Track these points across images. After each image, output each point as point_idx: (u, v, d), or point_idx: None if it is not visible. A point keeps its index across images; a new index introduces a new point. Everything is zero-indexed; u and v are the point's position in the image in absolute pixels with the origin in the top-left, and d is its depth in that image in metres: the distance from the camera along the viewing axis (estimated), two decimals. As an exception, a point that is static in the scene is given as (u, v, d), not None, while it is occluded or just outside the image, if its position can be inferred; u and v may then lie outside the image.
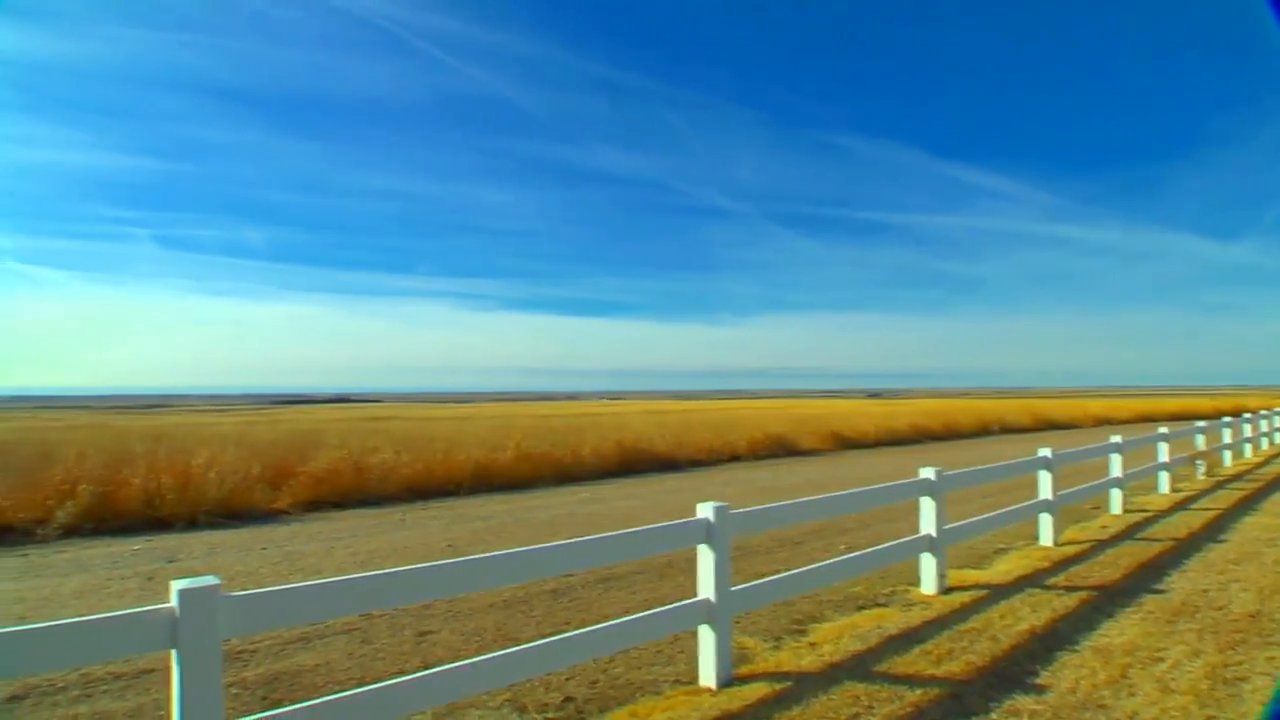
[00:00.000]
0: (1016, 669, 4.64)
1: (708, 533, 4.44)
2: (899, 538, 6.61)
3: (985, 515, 7.58)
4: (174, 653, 2.55)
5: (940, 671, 4.60)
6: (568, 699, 4.29)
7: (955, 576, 6.80)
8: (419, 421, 27.32)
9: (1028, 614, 5.75)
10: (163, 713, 4.15)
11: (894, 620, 5.60)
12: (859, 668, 4.65)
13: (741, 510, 4.81)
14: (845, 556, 5.97)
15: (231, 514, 10.62)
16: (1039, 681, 4.43)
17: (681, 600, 4.65)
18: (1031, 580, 6.78)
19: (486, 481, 13.67)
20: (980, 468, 7.78)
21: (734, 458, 18.98)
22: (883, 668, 4.66)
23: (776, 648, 5.08)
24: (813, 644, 5.13)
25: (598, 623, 4.76)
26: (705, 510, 4.49)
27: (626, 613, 5.63)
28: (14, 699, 4.35)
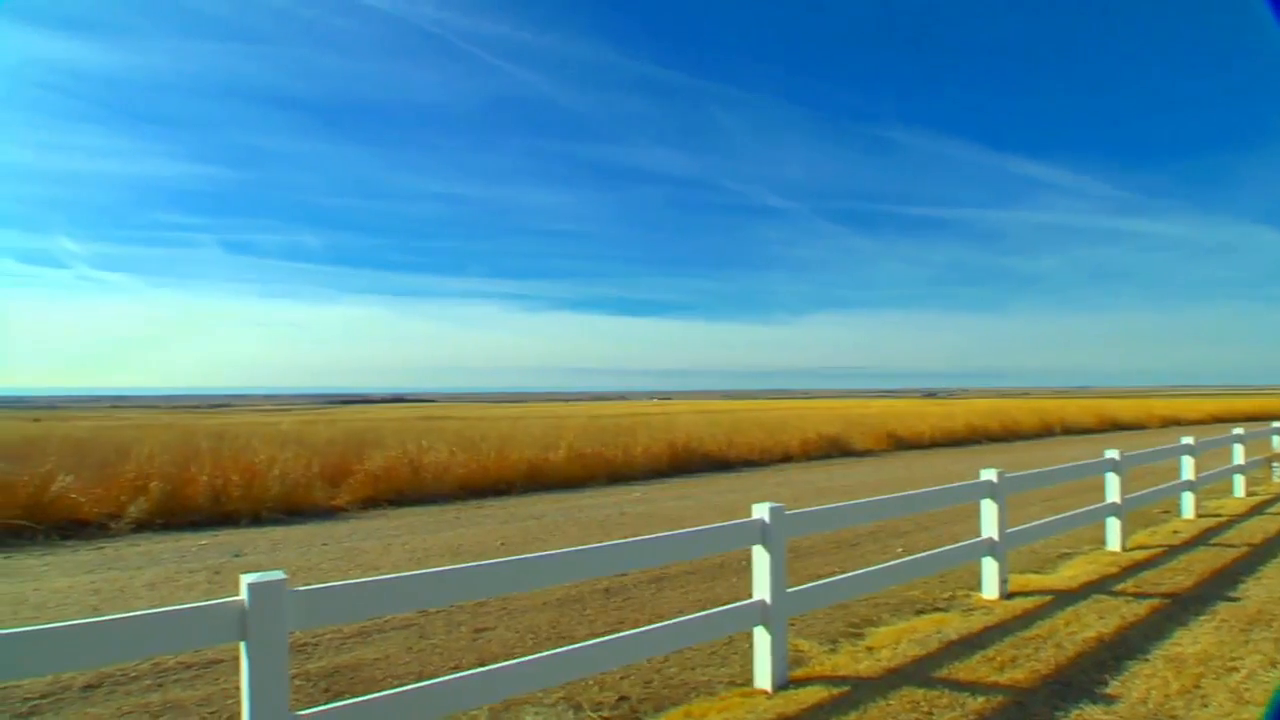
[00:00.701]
0: (1084, 678, 4.49)
1: (763, 533, 4.40)
2: (958, 541, 6.47)
3: (1049, 518, 7.37)
4: (243, 644, 2.62)
5: (1003, 679, 4.48)
6: (622, 698, 4.29)
7: (1018, 581, 6.62)
8: (472, 421, 27.69)
9: (1095, 621, 5.57)
10: (231, 702, 4.27)
11: (954, 625, 5.48)
12: (918, 673, 4.56)
13: (797, 511, 4.75)
14: (903, 559, 5.86)
15: (293, 510, 10.90)
16: (1108, 691, 4.28)
17: (735, 601, 4.62)
18: (1099, 586, 6.57)
19: (539, 481, 13.78)
20: (1043, 470, 7.56)
21: (786, 458, 18.80)
22: (943, 674, 4.56)
23: (833, 651, 5.01)
24: (870, 648, 5.04)
25: (651, 623, 4.76)
26: (760, 511, 4.45)
27: (680, 613, 5.61)
28: (89, 688, 4.51)
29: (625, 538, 6.36)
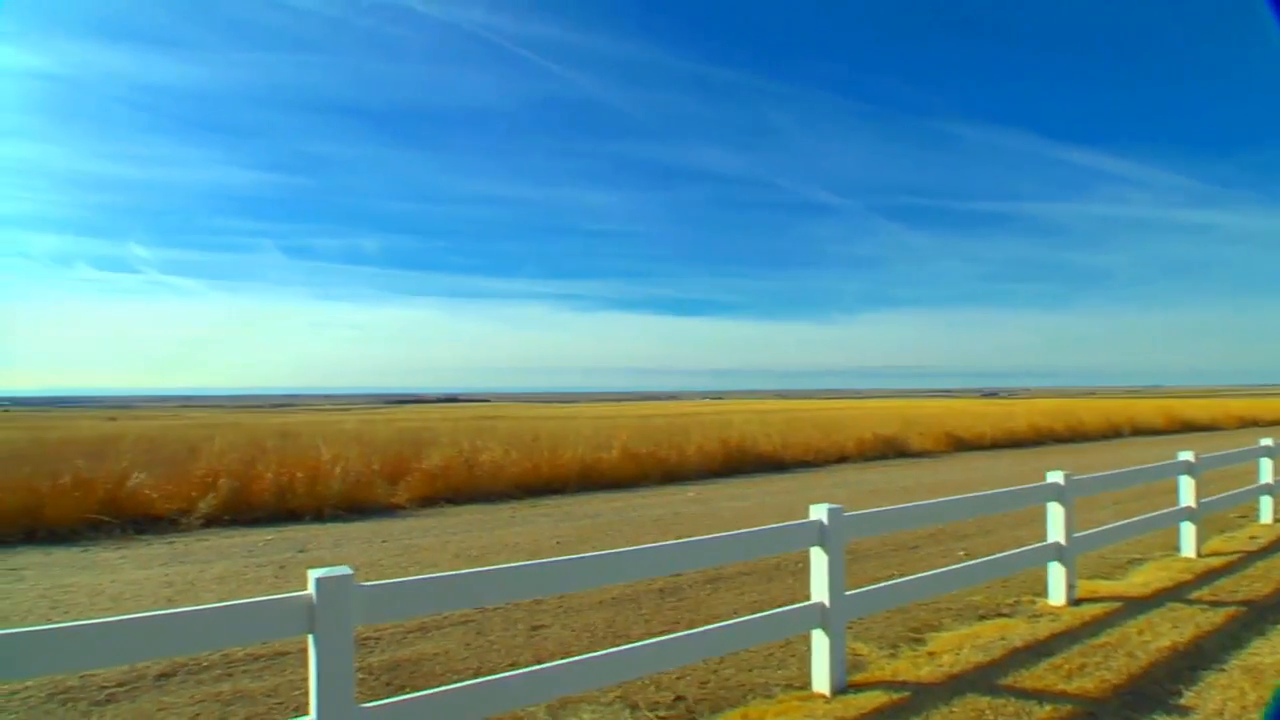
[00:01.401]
0: (1156, 688, 4.33)
1: (821, 535, 4.34)
2: (1022, 545, 6.30)
3: (1119, 523, 7.12)
4: (311, 637, 2.68)
5: (1072, 688, 4.34)
6: (678, 698, 4.28)
7: (1086, 587, 6.41)
8: (525, 421, 27.99)
9: (1168, 629, 5.37)
10: (297, 693, 4.39)
11: (1019, 632, 5.33)
12: (982, 680, 4.45)
13: (855, 513, 4.68)
14: (965, 563, 5.72)
15: (354, 507, 11.15)
16: (1182, 702, 4.12)
17: (792, 603, 4.57)
18: (1171, 593, 6.32)
19: (592, 480, 13.84)
20: (1112, 472, 7.32)
21: (842, 459, 18.54)
22: (1008, 681, 4.43)
23: (893, 656, 4.92)
24: (931, 653, 4.94)
25: (706, 623, 4.74)
26: (819, 512, 4.39)
27: (735, 614, 5.58)
28: (163, 676, 4.68)
29: (680, 538, 6.36)
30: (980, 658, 4.82)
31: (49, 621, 5.87)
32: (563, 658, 4.34)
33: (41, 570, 7.60)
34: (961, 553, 7.76)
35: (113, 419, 44.14)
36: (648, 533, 9.39)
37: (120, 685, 4.53)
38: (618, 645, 4.21)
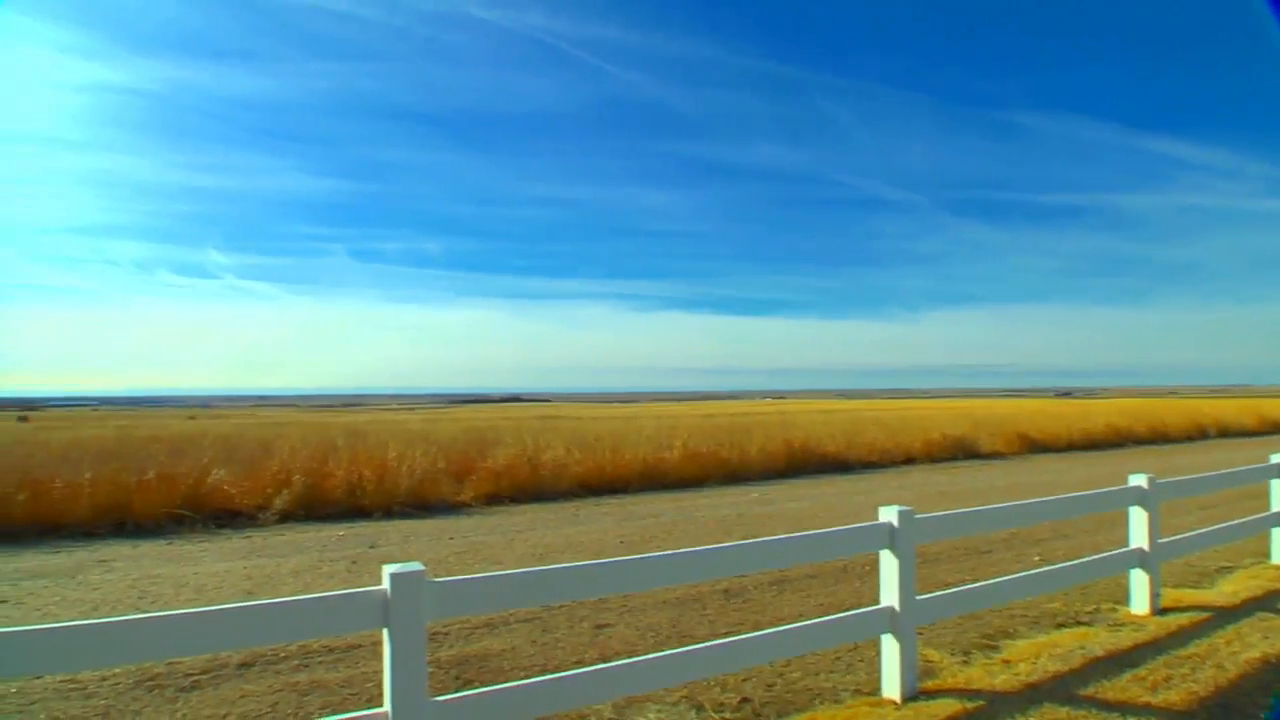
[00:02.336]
0: (1247, 701, 4.12)
1: (891, 537, 4.24)
2: (1102, 551, 6.07)
3: (1207, 529, 6.79)
4: (385, 631, 2.74)
5: (1157, 700, 4.16)
6: (744, 700, 4.24)
7: (1171, 596, 6.13)
8: (586, 420, 28.17)
9: (1258, 640, 5.10)
10: (370, 684, 4.50)
11: (1099, 641, 5.13)
12: (1060, 690, 4.29)
13: (927, 515, 4.56)
14: (1041, 569, 5.54)
15: (421, 504, 11.38)
16: (1275, 717, 3.90)
17: (860, 607, 4.49)
18: (1263, 603, 6.01)
19: (655, 480, 13.85)
20: (1199, 476, 6.98)
21: (908, 460, 18.15)
22: (1088, 691, 4.27)
23: (965, 663, 4.78)
24: (1006, 661, 4.79)
25: (771, 625, 4.69)
26: (889, 514, 4.29)
27: (800, 617, 5.51)
28: (244, 665, 4.85)
29: (744, 538, 6.32)
30: (1059, 667, 4.66)
31: (138, 611, 6.15)
32: (627, 656, 4.35)
33: (130, 562, 7.97)
34: (1037, 558, 7.51)
35: (192, 418, 46.07)
36: (711, 533, 9.35)
37: (204, 673, 4.71)
38: (682, 645, 4.20)
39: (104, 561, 7.96)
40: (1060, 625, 5.54)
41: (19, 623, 5.78)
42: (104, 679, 4.59)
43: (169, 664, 4.77)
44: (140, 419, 44.48)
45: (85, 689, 4.46)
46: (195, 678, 4.65)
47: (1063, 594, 6.13)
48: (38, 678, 4.52)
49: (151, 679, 4.61)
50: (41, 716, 4.14)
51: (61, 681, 4.53)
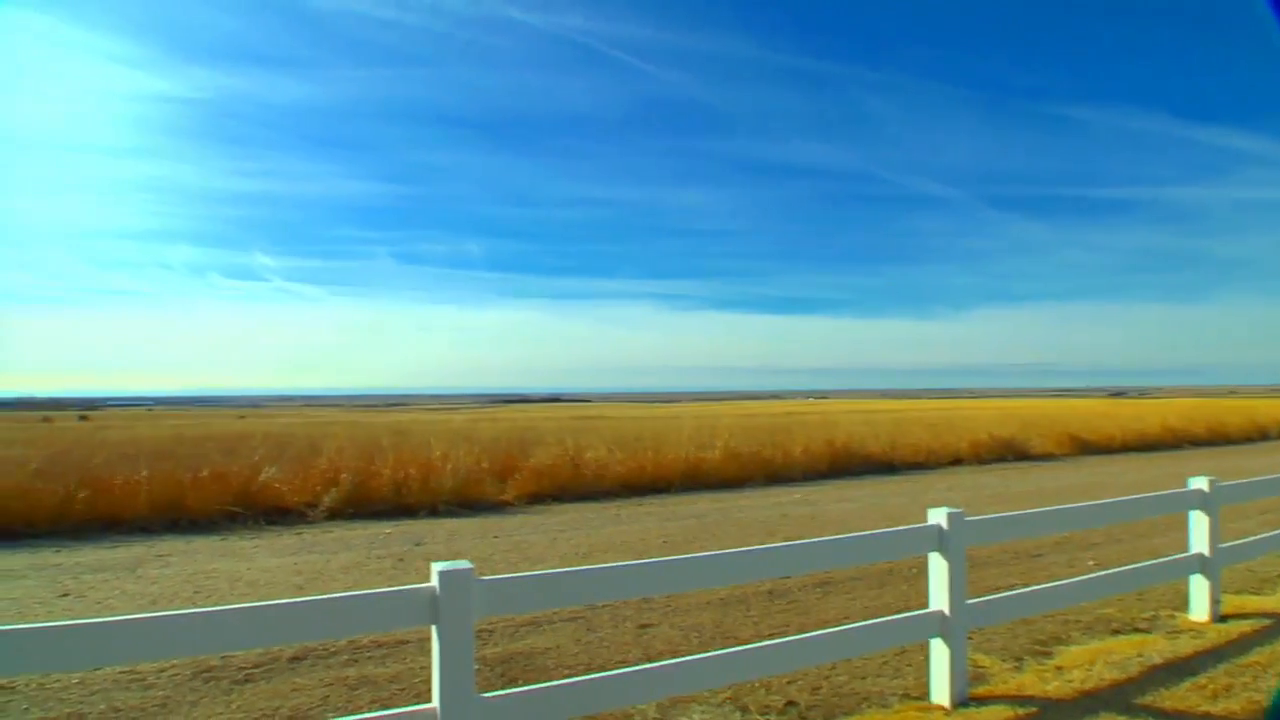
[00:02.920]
0: (1318, 714, 3.96)
1: (940, 540, 4.17)
2: (1159, 556, 5.89)
3: (1270, 533, 6.56)
4: (434, 628, 2.77)
5: (1217, 709, 4.02)
6: (790, 703, 4.20)
7: (1232, 602, 5.93)
8: (627, 420, 28.23)
9: (1327, 650, 4.90)
10: (418, 680, 4.55)
11: (1157, 648, 4.98)
12: (1117, 699, 4.18)
13: (977, 517, 4.47)
14: (1096, 574, 5.39)
15: (464, 503, 11.50)
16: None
17: (906, 611, 4.42)
18: (1332, 611, 5.78)
19: (696, 480, 13.81)
20: (1261, 478, 6.74)
21: (955, 461, 17.82)
22: (1146, 700, 4.15)
23: (1017, 669, 4.68)
24: (1059, 668, 4.67)
25: (817, 628, 4.64)
26: (938, 516, 4.22)
27: (846, 619, 5.45)
28: (296, 659, 4.95)
29: (787, 539, 6.26)
30: (1115, 674, 4.53)
31: (194, 605, 6.32)
32: (671, 657, 4.34)
33: (185, 557, 8.19)
34: (1091, 562, 7.32)
35: (242, 417, 47.28)
36: (753, 534, 9.29)
37: (257, 666, 4.81)
38: (726, 646, 4.18)
39: (161, 556, 8.19)
40: (1116, 632, 5.39)
41: (82, 615, 5.98)
42: (162, 671, 4.72)
43: (223, 657, 4.88)
44: (193, 418, 45.73)
45: (144, 680, 4.59)
46: (249, 671, 4.76)
47: (1118, 599, 5.95)
48: (98, 669, 4.66)
49: (207, 671, 4.72)
50: (102, 706, 4.27)
51: (121, 673, 4.66)
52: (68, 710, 4.21)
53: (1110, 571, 5.40)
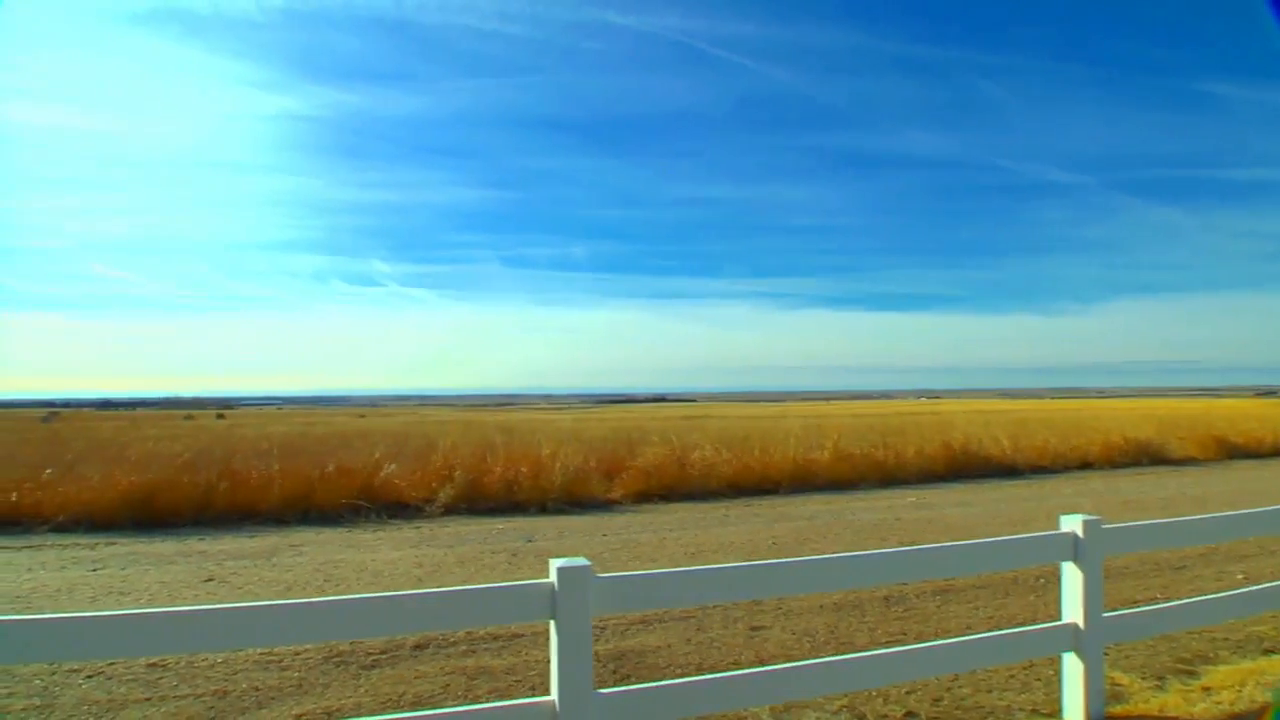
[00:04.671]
0: None
1: (1075, 548, 3.92)
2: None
3: None
4: (552, 623, 2.83)
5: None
6: (909, 714, 4.07)
7: None
8: (732, 420, 28.06)
9: None
10: (533, 673, 4.66)
11: (1321, 671, 4.55)
12: (1275, 724, 3.84)
13: (1115, 525, 4.20)
14: (1247, 589, 4.97)
15: (572, 501, 11.70)
16: None
17: (1034, 622, 4.20)
18: None
19: (805, 481, 13.57)
20: None
21: (1084, 465, 16.79)
22: (1310, 728, 3.79)
23: (1159, 688, 4.37)
24: (1206, 688, 4.33)
25: (936, 637, 4.48)
26: (1072, 523, 3.97)
27: (968, 629, 5.23)
28: (418, 648, 5.16)
29: (900, 544, 6.07)
30: (1267, 697, 4.17)
31: (324, 592, 6.69)
32: (784, 660, 4.28)
33: (316, 547, 8.68)
34: (1241, 576, 6.76)
35: (362, 416, 49.76)
36: (866, 537, 9.05)
37: (383, 653, 5.05)
38: (840, 652, 4.09)
39: (294, 546, 8.71)
40: (1269, 651, 4.96)
41: (225, 600, 6.43)
42: (297, 654, 5.01)
43: (353, 643, 5.14)
44: (317, 417, 48.44)
45: (281, 662, 4.89)
46: (375, 657, 4.99)
47: (1271, 616, 5.46)
48: (239, 650, 4.99)
49: (338, 655, 4.99)
50: (244, 684, 4.57)
51: (260, 654, 4.98)
52: (213, 687, 4.53)
53: (1263, 586, 4.95)
